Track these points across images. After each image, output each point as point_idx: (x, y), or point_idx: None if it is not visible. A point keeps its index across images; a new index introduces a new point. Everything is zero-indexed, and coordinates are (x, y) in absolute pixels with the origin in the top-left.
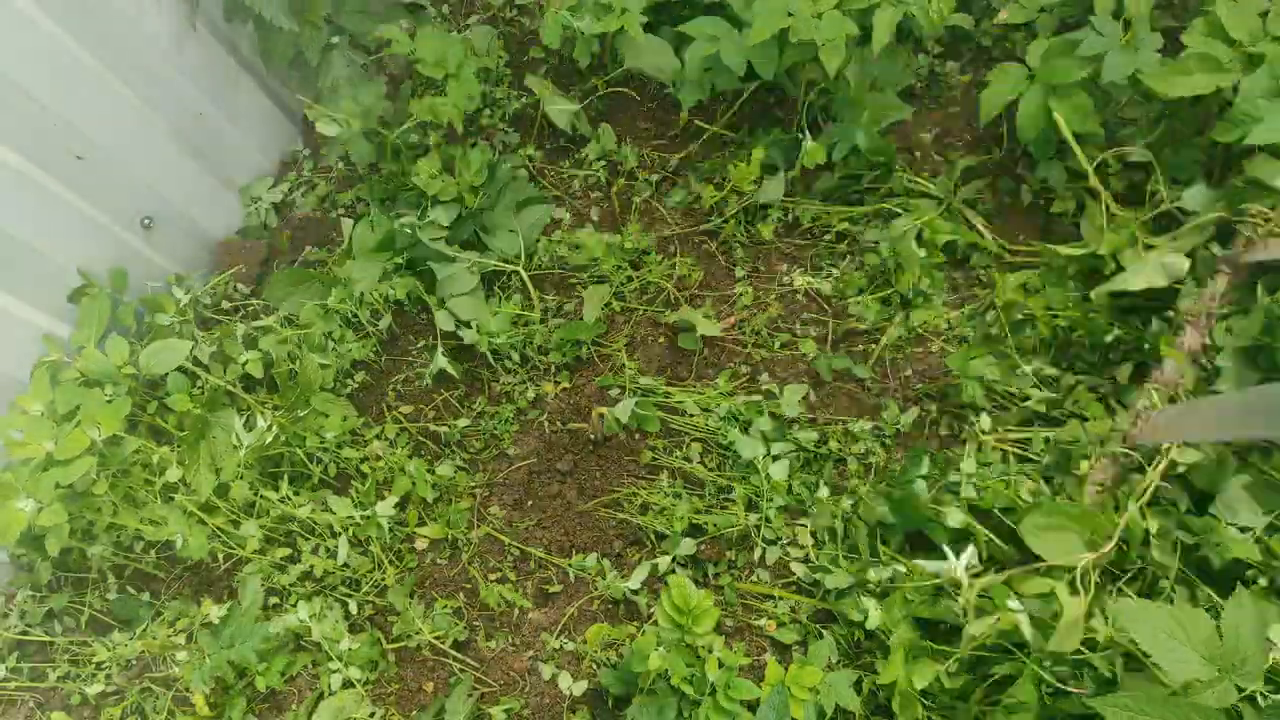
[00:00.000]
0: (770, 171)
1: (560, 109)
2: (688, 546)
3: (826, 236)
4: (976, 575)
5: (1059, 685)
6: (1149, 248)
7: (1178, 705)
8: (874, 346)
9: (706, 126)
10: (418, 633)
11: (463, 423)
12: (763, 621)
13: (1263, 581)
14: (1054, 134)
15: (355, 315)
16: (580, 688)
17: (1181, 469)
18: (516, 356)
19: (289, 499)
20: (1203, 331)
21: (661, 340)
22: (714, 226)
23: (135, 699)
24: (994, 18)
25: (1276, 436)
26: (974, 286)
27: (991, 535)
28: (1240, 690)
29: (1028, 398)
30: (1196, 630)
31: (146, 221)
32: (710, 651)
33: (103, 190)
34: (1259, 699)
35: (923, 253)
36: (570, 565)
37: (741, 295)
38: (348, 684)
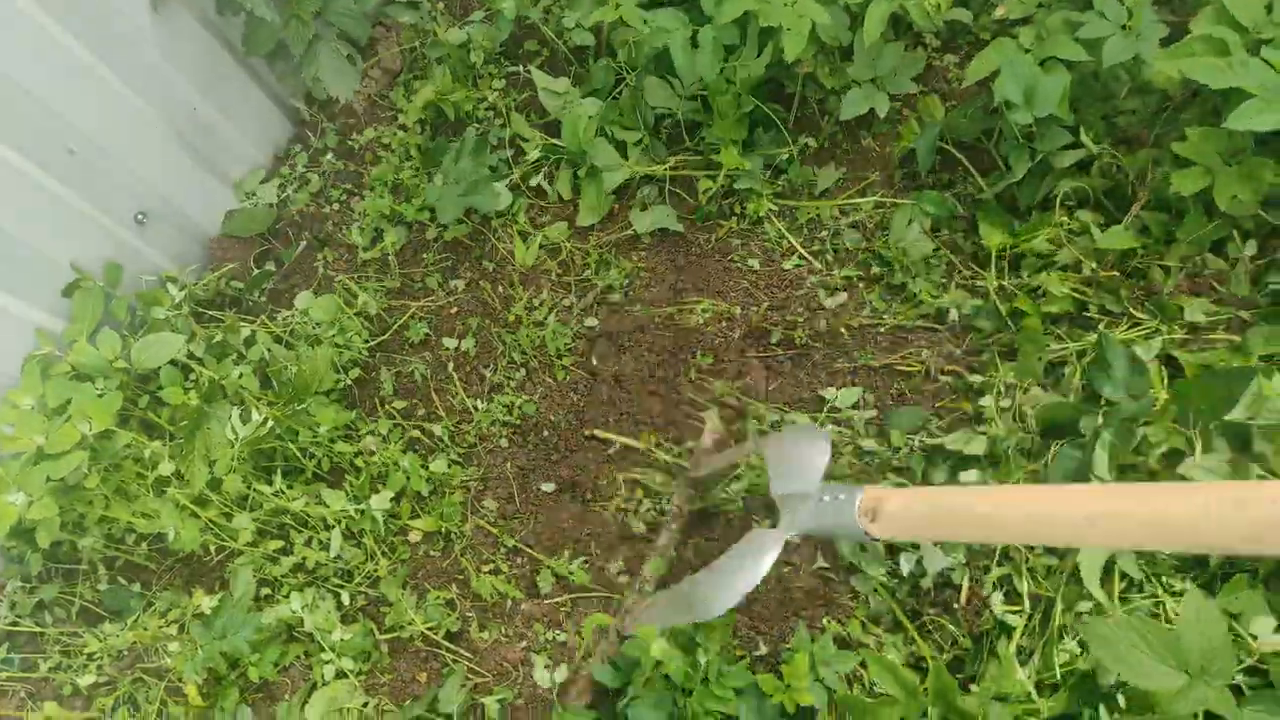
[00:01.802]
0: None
1: (552, 89)
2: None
3: (821, 233)
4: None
5: None
6: None
7: None
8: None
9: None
10: (410, 623)
11: (455, 419)
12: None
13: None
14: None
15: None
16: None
17: None
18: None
19: (282, 493)
20: None
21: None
22: (708, 217)
23: (127, 689)
24: (992, 13)
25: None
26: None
27: None
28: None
29: None
30: (1158, 639)
31: (140, 217)
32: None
33: (96, 185)
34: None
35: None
36: (563, 564)
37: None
38: (341, 674)
